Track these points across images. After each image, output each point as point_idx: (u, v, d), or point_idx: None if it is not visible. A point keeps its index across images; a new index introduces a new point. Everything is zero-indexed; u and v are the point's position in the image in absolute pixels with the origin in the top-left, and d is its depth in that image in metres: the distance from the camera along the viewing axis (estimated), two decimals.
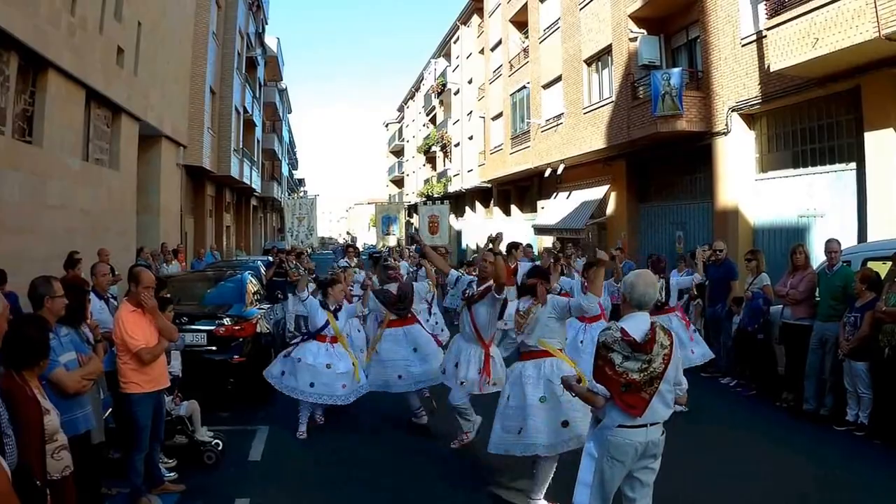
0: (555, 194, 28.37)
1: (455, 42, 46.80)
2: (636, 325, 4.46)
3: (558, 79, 26.34)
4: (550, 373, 6.12)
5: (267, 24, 47.02)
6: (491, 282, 7.45)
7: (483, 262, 7.67)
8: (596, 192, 24.32)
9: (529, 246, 21.55)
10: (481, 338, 7.66)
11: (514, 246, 13.02)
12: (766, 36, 14.33)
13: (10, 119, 12.40)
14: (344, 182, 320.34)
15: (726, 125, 17.12)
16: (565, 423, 5.94)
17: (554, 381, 5.94)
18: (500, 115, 34.40)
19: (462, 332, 7.92)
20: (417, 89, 62.88)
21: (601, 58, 23.13)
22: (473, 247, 39.42)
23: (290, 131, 76.01)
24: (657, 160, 21.33)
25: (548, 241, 27.43)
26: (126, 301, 6.45)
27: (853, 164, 13.94)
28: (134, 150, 19.50)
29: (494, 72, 35.61)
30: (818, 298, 9.62)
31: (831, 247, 9.43)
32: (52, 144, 13.72)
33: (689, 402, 8.44)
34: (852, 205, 13.86)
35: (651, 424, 4.45)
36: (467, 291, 7.90)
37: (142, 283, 6.34)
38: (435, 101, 53.60)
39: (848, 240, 13.01)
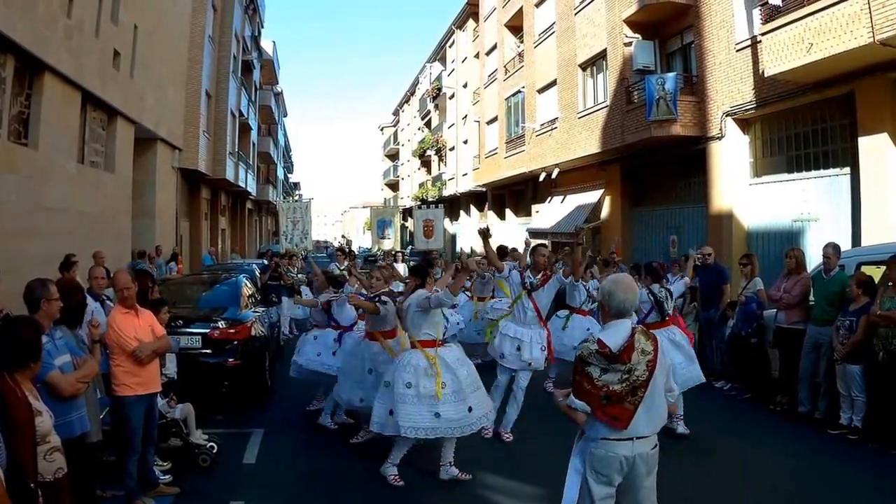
0: (549, 198, 28.42)
1: (451, 46, 46.88)
2: (615, 334, 4.21)
3: (553, 83, 26.42)
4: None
5: (263, 27, 47.08)
6: (548, 272, 8.63)
7: (539, 256, 8.70)
8: (590, 197, 24.38)
9: (515, 250, 21.57)
10: (542, 319, 8.53)
11: (503, 250, 13.51)
12: (760, 41, 14.40)
13: (6, 121, 12.39)
14: (339, 185, 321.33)
15: (721, 130, 17.17)
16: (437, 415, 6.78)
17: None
18: (494, 119, 34.48)
19: (519, 318, 8.51)
20: (413, 93, 62.96)
21: (596, 62, 23.19)
22: (468, 250, 39.47)
23: (285, 135, 75.95)
24: (652, 164, 21.37)
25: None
26: (117, 303, 6.46)
27: (847, 169, 13.99)
28: (129, 153, 19.49)
29: (489, 76, 35.68)
30: (812, 302, 9.64)
31: (827, 252, 9.45)
32: (48, 147, 13.71)
33: (683, 405, 8.54)
34: (846, 209, 13.91)
35: (638, 438, 4.18)
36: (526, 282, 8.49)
37: (115, 285, 6.36)
38: (430, 105, 53.66)
39: (842, 244, 13.03)
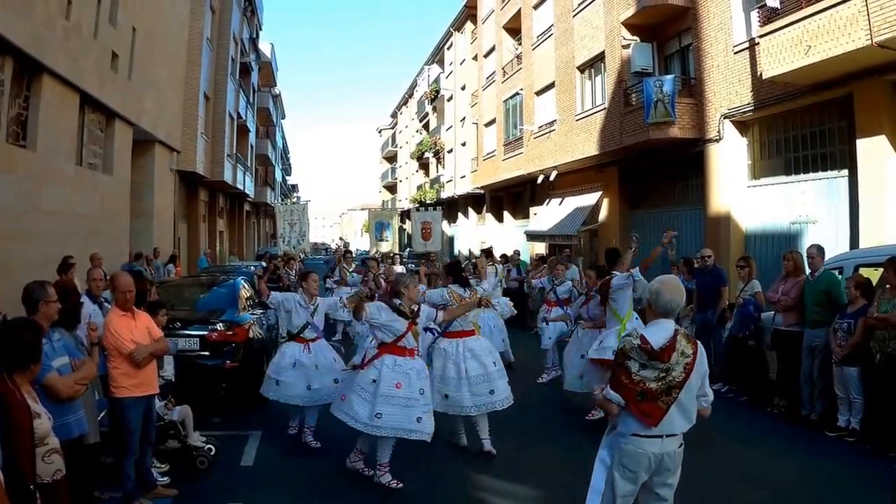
0: (547, 201, 28.41)
1: (448, 48, 46.88)
2: (657, 332, 4.34)
3: (551, 85, 26.42)
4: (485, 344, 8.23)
5: (261, 29, 47.09)
6: None
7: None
8: (588, 199, 24.38)
9: (517, 252, 21.72)
10: None
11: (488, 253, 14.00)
12: (758, 43, 14.42)
13: (5, 123, 12.39)
14: (337, 188, 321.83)
15: (719, 132, 17.19)
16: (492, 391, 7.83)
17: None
18: (492, 121, 34.47)
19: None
20: (411, 95, 62.95)
21: (594, 65, 23.21)
22: (466, 252, 39.52)
23: (283, 137, 75.97)
24: (650, 167, 21.37)
25: (540, 247, 27.53)
26: (115, 306, 6.45)
27: (845, 171, 14.00)
28: (128, 155, 19.50)
29: (487, 78, 35.68)
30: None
31: (811, 252, 9.51)
32: (46, 149, 13.71)
33: None
34: (844, 211, 13.92)
35: (667, 436, 4.33)
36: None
37: (118, 287, 6.35)
38: (428, 108, 53.66)
39: (840, 246, 13.10)
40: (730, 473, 7.36)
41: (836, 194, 14.27)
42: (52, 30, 13.33)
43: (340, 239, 75.67)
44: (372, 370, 7.01)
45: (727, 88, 16.77)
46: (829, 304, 9.07)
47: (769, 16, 13.79)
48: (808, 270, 9.66)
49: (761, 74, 14.47)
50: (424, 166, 57.33)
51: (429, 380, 7.32)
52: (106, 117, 17.77)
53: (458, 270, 8.49)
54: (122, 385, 6.14)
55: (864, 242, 12.53)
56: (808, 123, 15.10)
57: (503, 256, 20.54)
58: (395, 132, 77.04)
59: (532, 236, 28.23)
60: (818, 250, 9.51)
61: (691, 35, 18.59)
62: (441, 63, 50.15)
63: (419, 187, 57.18)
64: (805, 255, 9.75)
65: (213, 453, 7.45)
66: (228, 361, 9.65)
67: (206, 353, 9.65)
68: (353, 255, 20.28)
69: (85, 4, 15.00)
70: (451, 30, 44.79)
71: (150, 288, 8.54)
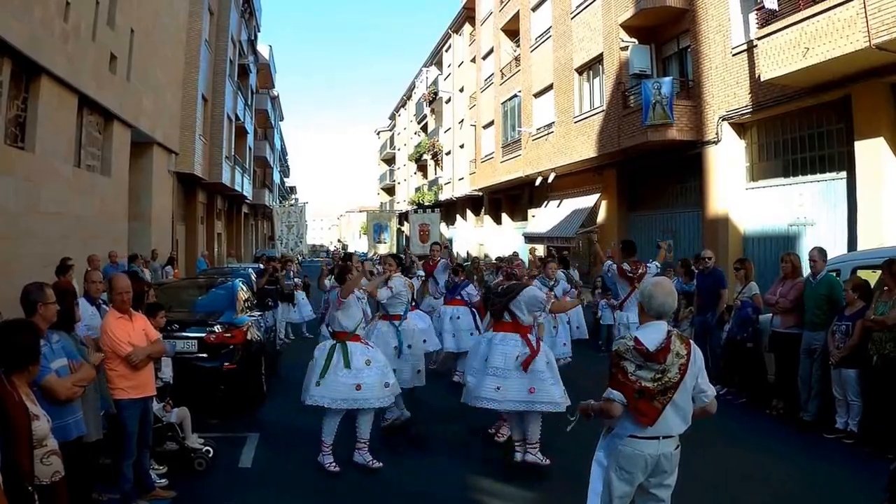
0: (545, 203, 28.43)
1: (447, 50, 46.94)
2: (651, 334, 4.34)
3: (549, 87, 26.46)
4: None
5: (259, 31, 47.08)
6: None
7: None
8: (587, 201, 24.41)
9: (516, 254, 21.67)
10: None
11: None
12: (756, 45, 14.44)
13: (3, 124, 12.37)
14: (335, 190, 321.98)
15: (717, 134, 17.21)
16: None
17: None
18: (491, 123, 34.50)
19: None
20: (409, 97, 63.01)
21: (592, 66, 23.24)
22: (464, 254, 39.52)
23: (281, 139, 75.97)
24: (648, 169, 21.41)
25: (538, 249, 27.52)
26: (112, 308, 6.44)
27: (843, 173, 14.02)
28: (126, 157, 19.47)
29: (486, 80, 35.72)
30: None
31: (812, 255, 9.49)
32: (45, 150, 13.69)
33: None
34: (843, 213, 13.94)
35: (664, 437, 4.33)
36: None
37: (115, 289, 6.34)
38: (426, 110, 53.71)
39: (838, 248, 13.10)
40: (728, 475, 7.35)
41: (834, 196, 14.29)
42: (51, 31, 13.31)
43: (339, 241, 75.72)
44: (543, 353, 7.49)
45: (725, 90, 16.79)
46: (830, 307, 9.05)
47: (767, 18, 13.81)
48: (807, 272, 9.65)
49: (759, 76, 14.50)
50: (422, 168, 57.36)
51: None
52: (104, 119, 17.75)
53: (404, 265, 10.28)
54: (118, 387, 6.13)
55: (862, 244, 12.54)
56: (807, 125, 15.12)
57: (499, 258, 20.48)
58: (393, 134, 77.10)
59: (530, 238, 28.24)
60: (820, 253, 9.46)
61: (689, 37, 18.62)
62: (439, 65, 50.19)
63: (417, 189, 57.20)
64: (806, 258, 9.74)
65: (211, 455, 7.44)
66: (227, 363, 9.61)
67: (205, 354, 9.62)
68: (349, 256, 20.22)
69: (83, 6, 14.98)
70: (450, 32, 44.86)
71: (147, 290, 8.52)
